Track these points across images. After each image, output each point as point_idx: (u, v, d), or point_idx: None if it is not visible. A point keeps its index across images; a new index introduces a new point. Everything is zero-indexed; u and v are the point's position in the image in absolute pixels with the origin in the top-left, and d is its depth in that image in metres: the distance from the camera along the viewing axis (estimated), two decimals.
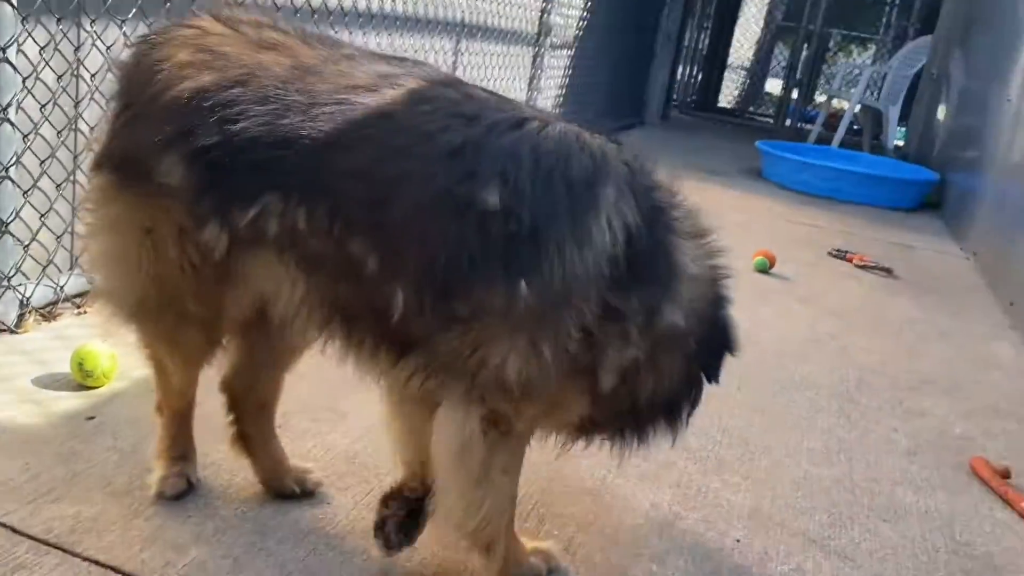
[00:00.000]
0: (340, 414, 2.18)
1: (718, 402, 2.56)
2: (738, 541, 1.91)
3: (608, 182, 1.39)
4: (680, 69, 11.24)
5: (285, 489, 1.80)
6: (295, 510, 1.78)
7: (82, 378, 2.15)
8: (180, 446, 1.77)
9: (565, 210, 1.35)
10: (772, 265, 4.13)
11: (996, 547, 2.03)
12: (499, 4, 5.25)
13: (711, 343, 1.56)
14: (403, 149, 1.38)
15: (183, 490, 1.74)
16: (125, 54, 1.67)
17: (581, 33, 7.07)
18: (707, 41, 12.67)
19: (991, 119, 5.43)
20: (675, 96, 11.25)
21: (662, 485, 2.09)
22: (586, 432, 1.57)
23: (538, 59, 6.12)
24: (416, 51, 4.37)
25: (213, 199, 1.45)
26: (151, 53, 1.51)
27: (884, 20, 13.67)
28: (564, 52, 6.82)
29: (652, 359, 1.46)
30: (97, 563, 1.54)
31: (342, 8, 3.54)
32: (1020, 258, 4.07)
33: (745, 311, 3.54)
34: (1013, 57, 5.22)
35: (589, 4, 7.00)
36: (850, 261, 4.58)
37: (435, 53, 4.57)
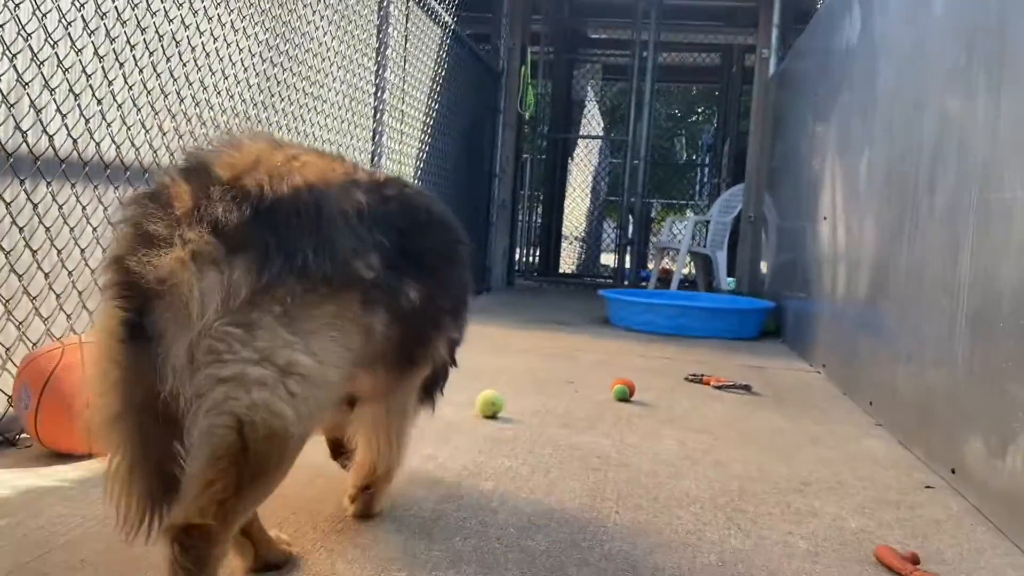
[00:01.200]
0: None
1: (596, 528, 2.25)
2: None
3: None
4: (519, 239, 11.50)
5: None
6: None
7: (492, 412, 3.30)
8: None
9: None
10: (632, 393, 3.96)
11: None
12: (325, 144, 5.11)
13: None
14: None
15: None
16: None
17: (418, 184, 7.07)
18: (540, 212, 13.16)
19: (810, 247, 5.71)
20: (517, 264, 11.44)
21: None
22: None
23: None
24: None
25: (384, 285, 1.72)
26: (297, 181, 1.63)
27: (699, 179, 14.79)
28: None
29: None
30: None
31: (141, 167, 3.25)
32: (866, 362, 4.10)
33: (612, 438, 3.31)
34: (817, 190, 5.58)
35: (417, 172, 7.05)
36: (707, 384, 4.47)
37: None
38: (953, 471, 2.87)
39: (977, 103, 2.91)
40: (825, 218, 5.31)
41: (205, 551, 1.48)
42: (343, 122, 5.41)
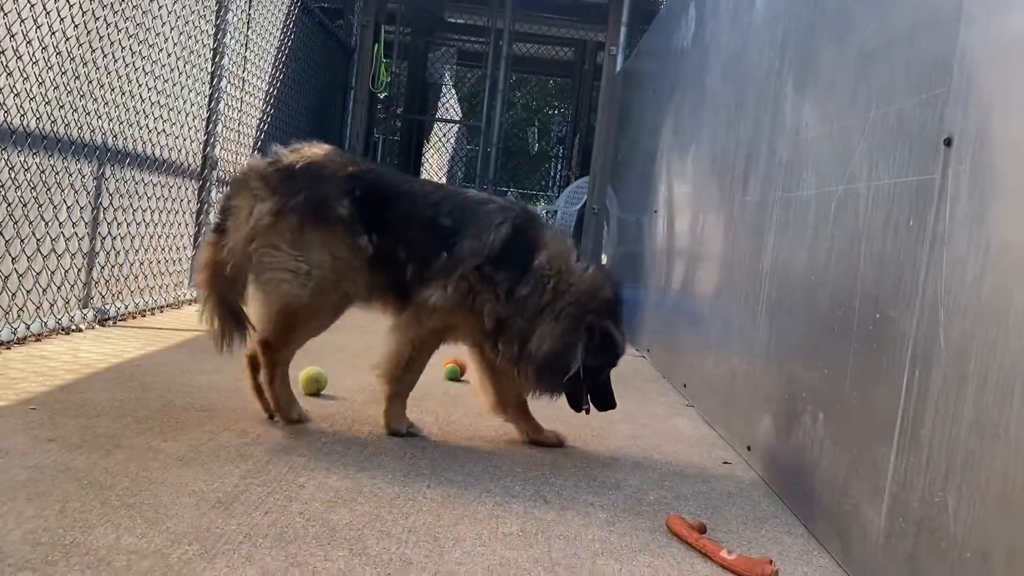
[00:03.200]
0: None
1: (404, 501, 2.26)
2: None
3: (500, 215, 2.88)
4: None
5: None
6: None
7: (315, 390, 3.35)
8: (290, 389, 2.94)
9: (472, 223, 2.85)
10: (463, 372, 4.00)
11: None
12: (149, 131, 4.85)
13: (593, 337, 2.87)
14: (416, 203, 2.90)
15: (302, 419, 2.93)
16: (282, 158, 2.87)
17: None
18: None
19: (643, 240, 5.94)
20: None
21: None
22: (512, 366, 2.91)
23: (204, 193, 5.74)
24: (49, 173, 3.83)
25: (362, 222, 2.80)
26: (312, 156, 2.86)
27: (551, 172, 15.07)
28: None
29: (526, 319, 2.85)
30: None
31: None
32: (683, 347, 4.32)
33: (437, 415, 3.32)
34: (652, 184, 5.81)
35: (258, 144, 6.81)
36: None
37: (70, 177, 4.03)
38: (749, 448, 3.07)
39: (786, 106, 3.12)
40: (656, 211, 5.54)
41: (273, 357, 2.84)
42: (175, 85, 5.14)
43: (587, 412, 2.97)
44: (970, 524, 1.60)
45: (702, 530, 2.24)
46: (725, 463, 3.04)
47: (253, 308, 2.86)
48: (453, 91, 15.96)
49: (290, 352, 2.89)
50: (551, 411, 3.09)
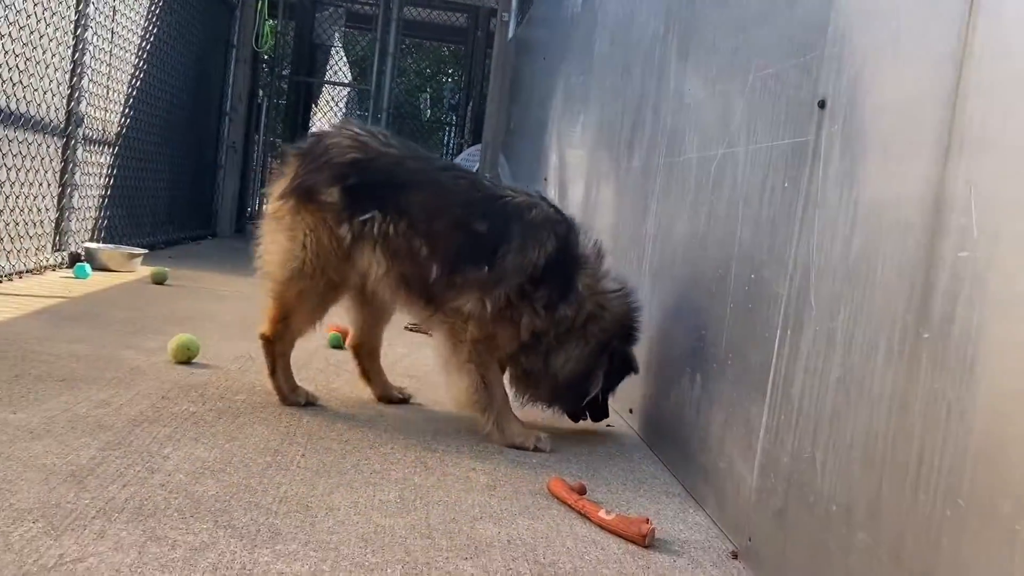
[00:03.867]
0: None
1: (276, 471, 2.16)
2: None
3: (546, 229, 2.73)
4: (253, 184, 10.92)
5: (394, 399, 3.08)
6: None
7: (186, 358, 3.19)
8: (291, 377, 2.89)
9: (517, 237, 2.69)
10: (346, 339, 3.88)
11: (580, 561, 1.86)
12: (4, 82, 4.46)
13: (614, 361, 2.85)
14: (445, 199, 2.76)
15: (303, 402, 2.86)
16: (307, 140, 2.93)
17: (126, 131, 6.43)
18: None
19: None
20: (249, 210, 10.86)
21: (193, 571, 1.59)
22: (525, 375, 2.87)
23: (70, 151, 5.36)
24: None
25: (348, 211, 2.71)
26: (325, 140, 2.82)
27: (444, 140, 14.90)
28: (106, 149, 6.11)
29: (555, 335, 2.77)
30: None
31: None
32: None
33: (317, 383, 3.21)
34: (543, 152, 5.79)
35: (130, 100, 6.41)
36: (426, 333, 4.51)
37: None
38: (631, 411, 3.10)
39: (670, 71, 3.12)
40: (545, 179, 5.53)
41: (271, 348, 2.84)
42: (33, 33, 4.75)
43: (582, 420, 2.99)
44: (836, 479, 1.64)
45: (582, 491, 2.24)
46: (609, 426, 3.06)
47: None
48: (343, 54, 15.52)
49: (286, 344, 2.85)
50: (404, 367, 3.04)
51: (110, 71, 5.98)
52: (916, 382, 1.42)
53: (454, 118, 15.07)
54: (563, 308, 2.73)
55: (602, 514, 2.08)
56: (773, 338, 1.96)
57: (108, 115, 6.02)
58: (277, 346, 2.84)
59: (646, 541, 1.98)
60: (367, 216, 2.69)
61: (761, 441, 1.97)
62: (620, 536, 2.02)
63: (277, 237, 2.78)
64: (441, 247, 2.69)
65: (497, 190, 2.84)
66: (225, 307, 4.65)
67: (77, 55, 5.31)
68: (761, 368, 2.02)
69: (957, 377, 1.32)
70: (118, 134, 6.28)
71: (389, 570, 1.70)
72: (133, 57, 6.45)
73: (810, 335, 1.80)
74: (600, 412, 2.94)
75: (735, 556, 2.01)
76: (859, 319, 1.62)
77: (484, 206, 2.74)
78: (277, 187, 2.82)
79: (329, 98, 14.33)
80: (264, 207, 2.95)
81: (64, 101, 5.25)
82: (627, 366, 2.88)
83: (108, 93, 5.98)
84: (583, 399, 2.83)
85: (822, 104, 1.85)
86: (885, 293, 1.54)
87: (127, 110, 6.42)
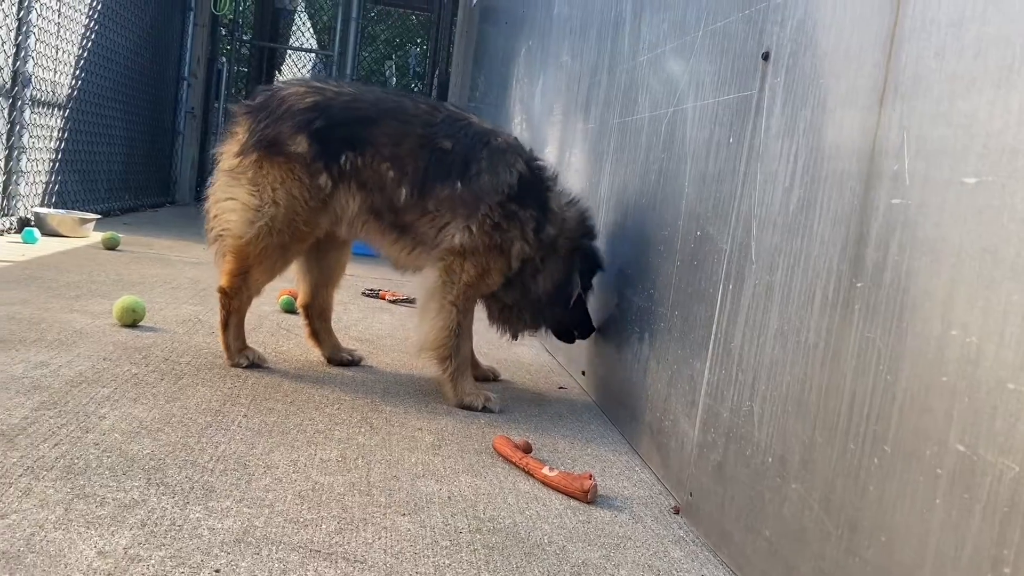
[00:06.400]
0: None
1: (216, 431, 2.12)
2: (217, 572, 1.45)
3: (511, 153, 2.73)
4: (212, 150, 10.70)
5: (343, 361, 3.03)
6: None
7: (132, 320, 3.11)
8: (241, 336, 2.84)
9: (485, 159, 2.68)
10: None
11: (520, 516, 1.86)
12: None
13: (585, 261, 2.84)
14: (408, 123, 2.69)
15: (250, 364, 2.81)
16: (257, 95, 2.79)
17: (78, 94, 6.26)
18: None
19: None
20: (211, 176, 10.65)
21: (121, 528, 1.55)
22: (508, 310, 2.88)
23: (16, 113, 5.20)
24: None
25: (322, 159, 2.65)
26: (280, 91, 2.74)
27: None
28: (57, 112, 5.94)
29: (540, 258, 2.76)
30: None
31: None
32: None
33: (266, 346, 3.16)
34: (506, 116, 5.74)
35: (81, 62, 6.24)
36: (383, 298, 4.47)
37: None
38: (583, 373, 3.09)
39: (625, 29, 3.08)
40: None
41: (228, 302, 2.77)
42: None
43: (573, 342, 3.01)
44: (772, 431, 1.64)
45: (527, 450, 2.23)
46: (560, 388, 3.05)
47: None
48: (307, 19, 15.23)
49: (243, 300, 2.78)
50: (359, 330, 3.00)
51: (59, 31, 5.80)
52: (849, 331, 1.41)
53: (420, 85, 14.88)
54: (548, 229, 2.74)
55: (545, 471, 2.07)
56: (716, 293, 1.95)
57: (58, 76, 5.84)
58: (234, 301, 2.77)
59: (588, 497, 1.98)
60: (343, 158, 2.64)
61: (703, 397, 1.97)
62: (563, 493, 2.01)
63: (237, 193, 2.69)
64: (409, 168, 2.64)
65: (459, 113, 2.79)
66: (176, 272, 4.57)
67: (23, 13, 5.13)
68: (704, 324, 2.01)
69: (887, 325, 1.31)
70: (69, 96, 6.10)
71: (324, 525, 1.68)
72: (84, 18, 6.26)
73: (750, 289, 1.79)
74: (586, 327, 2.92)
75: (677, 511, 2.01)
76: (797, 271, 1.61)
77: (448, 127, 2.69)
78: (231, 145, 2.73)
79: (293, 65, 14.07)
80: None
81: (10, 61, 5.08)
82: (595, 257, 2.87)
83: (57, 54, 5.80)
84: (568, 304, 2.83)
85: (766, 56, 1.83)
86: (822, 244, 1.53)
87: (79, 71, 6.24)
